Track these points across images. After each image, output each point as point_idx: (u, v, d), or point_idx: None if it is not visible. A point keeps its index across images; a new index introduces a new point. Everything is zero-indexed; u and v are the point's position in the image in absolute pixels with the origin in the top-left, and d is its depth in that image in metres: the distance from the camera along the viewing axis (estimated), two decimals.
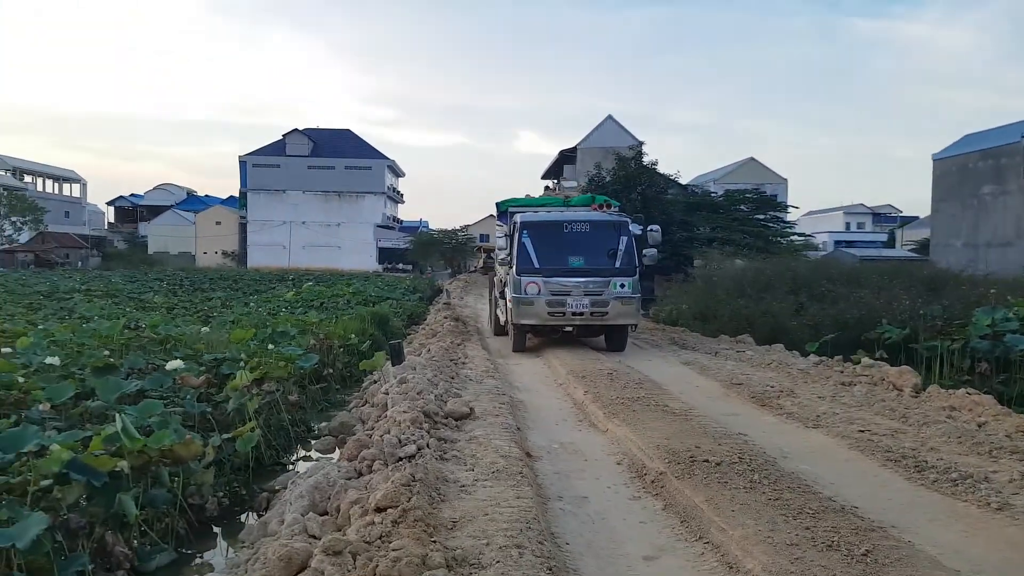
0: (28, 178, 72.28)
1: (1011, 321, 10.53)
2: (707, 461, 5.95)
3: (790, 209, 41.58)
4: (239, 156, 66.63)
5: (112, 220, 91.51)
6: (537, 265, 13.78)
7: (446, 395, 8.53)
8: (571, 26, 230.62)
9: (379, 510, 4.52)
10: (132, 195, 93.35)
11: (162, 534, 5.38)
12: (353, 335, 13.95)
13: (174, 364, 8.13)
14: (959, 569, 4.16)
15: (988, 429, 7.40)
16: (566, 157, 52.22)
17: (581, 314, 13.58)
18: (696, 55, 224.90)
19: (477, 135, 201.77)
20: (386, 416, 7.29)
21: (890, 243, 62.88)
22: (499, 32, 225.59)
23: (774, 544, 4.31)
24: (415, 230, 71.50)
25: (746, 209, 35.97)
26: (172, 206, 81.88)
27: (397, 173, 73.49)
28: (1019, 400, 9.35)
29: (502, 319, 15.82)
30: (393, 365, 9.88)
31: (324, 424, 9.31)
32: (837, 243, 61.44)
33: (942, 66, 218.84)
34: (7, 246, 59.37)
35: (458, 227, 66.63)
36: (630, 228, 14.43)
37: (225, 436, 6.91)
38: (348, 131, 70.00)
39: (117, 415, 5.50)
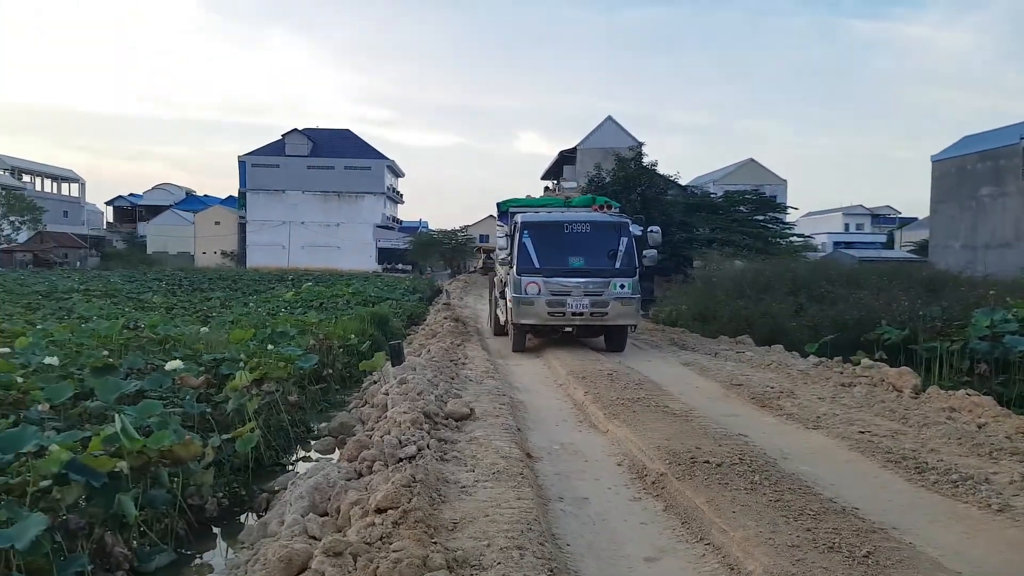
0: (27, 177, 72.22)
1: (1010, 322, 10.55)
2: (708, 462, 5.94)
3: (789, 210, 41.63)
4: (238, 156, 66.63)
5: (111, 220, 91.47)
6: (537, 265, 13.81)
7: (446, 396, 8.51)
8: (571, 26, 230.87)
9: (379, 511, 4.51)
10: (131, 195, 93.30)
11: (161, 535, 5.37)
12: (353, 335, 13.94)
13: (173, 364, 8.11)
14: (960, 571, 4.15)
15: (988, 430, 7.39)
16: (566, 158, 52.24)
17: (581, 314, 13.60)
18: (696, 56, 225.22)
19: (476, 135, 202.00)
20: (386, 417, 7.28)
21: (889, 244, 62.94)
22: (499, 32, 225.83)
23: (775, 546, 4.30)
24: (415, 230, 71.46)
25: (745, 210, 36.00)
26: (171, 206, 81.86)
27: (397, 173, 73.48)
28: (1019, 401, 9.37)
29: (502, 319, 15.84)
30: (393, 366, 9.87)
31: (324, 425, 9.29)
32: (836, 244, 61.46)
33: (941, 67, 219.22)
34: (6, 246, 59.31)
35: (458, 227, 66.65)
36: (630, 229, 14.45)
37: (224, 437, 6.90)
38: (348, 131, 69.98)
39: (116, 415, 5.49)
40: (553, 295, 13.61)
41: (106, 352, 9.46)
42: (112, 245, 77.76)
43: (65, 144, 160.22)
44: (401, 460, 5.75)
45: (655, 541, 4.79)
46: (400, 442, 6.11)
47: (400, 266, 61.99)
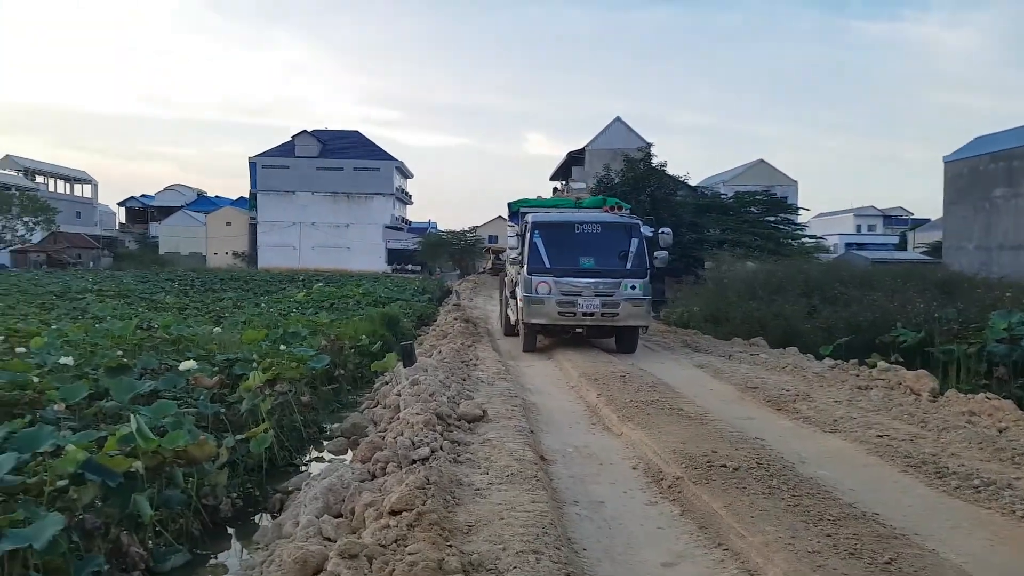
0: (40, 179, 72.76)
1: None
2: (724, 466, 5.88)
3: (800, 211, 41.43)
4: (249, 157, 66.78)
5: (123, 221, 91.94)
6: (548, 265, 13.80)
7: (458, 397, 8.49)
8: (579, 27, 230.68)
9: (394, 513, 4.48)
10: (143, 196, 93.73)
11: (176, 535, 5.37)
12: (364, 336, 13.95)
13: (187, 365, 8.12)
14: None
15: (1009, 435, 7.30)
16: (574, 159, 52.17)
17: (592, 315, 13.58)
18: (705, 57, 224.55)
19: (485, 136, 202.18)
20: (399, 418, 7.26)
21: (901, 245, 62.55)
22: (507, 33, 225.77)
23: (795, 551, 4.25)
24: (424, 231, 71.57)
25: (756, 211, 35.86)
26: (183, 207, 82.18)
27: (405, 174, 73.55)
28: None
29: (513, 319, 15.84)
30: (405, 366, 9.86)
31: (336, 425, 9.28)
32: (848, 245, 61.11)
33: (953, 68, 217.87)
34: (20, 246, 59.70)
35: (466, 228, 66.74)
36: (641, 230, 14.44)
37: (238, 437, 6.90)
38: (357, 132, 70.08)
39: (132, 415, 5.49)
40: (564, 295, 13.60)
41: (120, 352, 9.48)
42: (124, 246, 78.15)
43: (78, 145, 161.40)
44: (414, 462, 5.73)
45: (672, 546, 4.74)
46: (413, 444, 6.09)
47: (409, 267, 62.07)
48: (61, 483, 4.56)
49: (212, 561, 5.43)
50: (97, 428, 6.10)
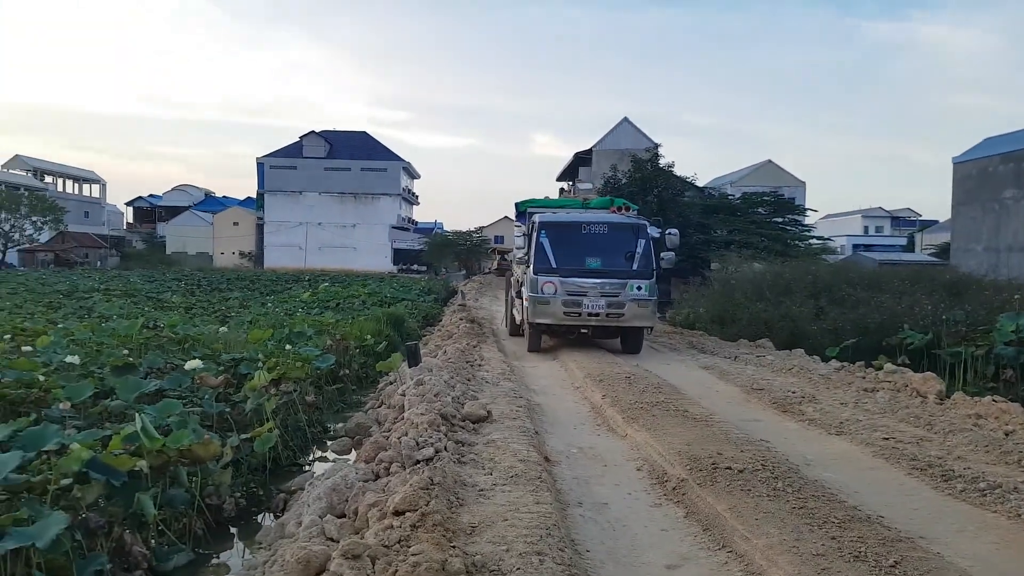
0: (48, 178, 73.07)
1: None
2: (729, 468, 5.85)
3: (808, 212, 41.33)
4: (256, 158, 67.08)
5: (131, 220, 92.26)
6: (554, 265, 13.81)
7: (463, 397, 8.48)
8: (586, 28, 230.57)
9: (397, 513, 4.47)
10: (151, 196, 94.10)
11: (180, 534, 5.38)
12: (369, 336, 13.96)
13: (193, 364, 8.15)
14: None
15: (1016, 438, 7.24)
16: (581, 159, 52.19)
17: (597, 315, 13.57)
18: (712, 57, 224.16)
19: (492, 137, 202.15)
20: (403, 418, 7.26)
21: (909, 247, 62.31)
22: (514, 34, 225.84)
23: (800, 554, 4.22)
24: (430, 231, 71.64)
25: (764, 212, 35.82)
26: (190, 207, 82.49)
27: (412, 175, 73.65)
28: None
29: (518, 319, 15.86)
30: (410, 367, 9.85)
31: (340, 425, 9.29)
32: (855, 247, 60.93)
33: (962, 69, 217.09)
34: (28, 246, 59.99)
35: (472, 229, 66.81)
36: (648, 231, 14.43)
37: (243, 436, 6.92)
38: (364, 133, 70.23)
39: (137, 414, 5.51)
40: (569, 295, 13.60)
41: (126, 351, 9.52)
42: (132, 245, 78.48)
43: (85, 146, 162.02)
44: (419, 462, 5.72)
45: (676, 548, 4.72)
46: (417, 444, 6.08)
47: (415, 267, 62.15)
48: (65, 482, 4.57)
49: (215, 560, 5.43)
50: (102, 427, 6.12)
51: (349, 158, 66.17)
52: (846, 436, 7.49)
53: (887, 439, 7.19)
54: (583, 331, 14.35)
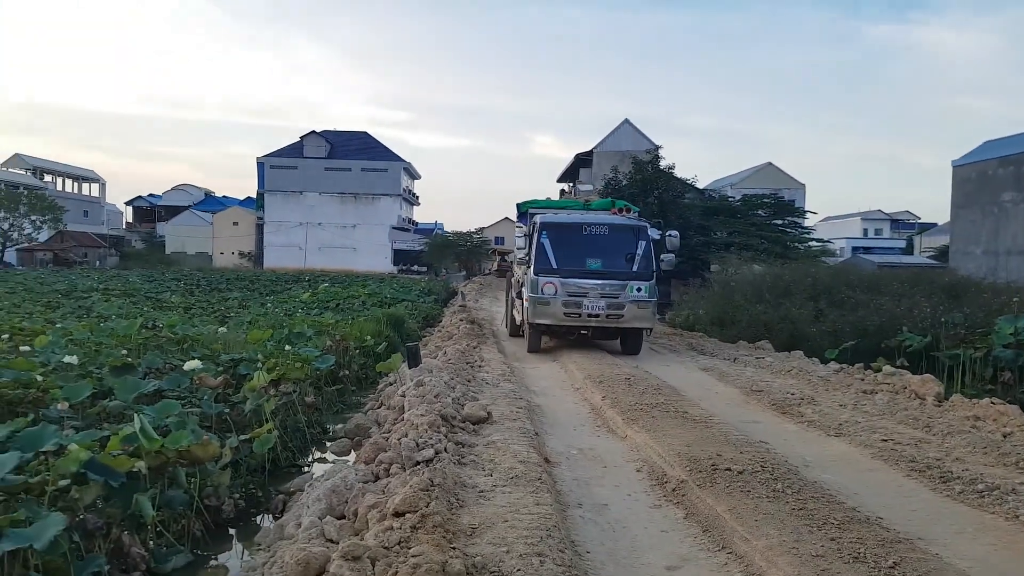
0: (48, 177, 73.01)
1: None
2: (729, 469, 5.86)
3: (808, 214, 41.31)
4: (257, 157, 66.98)
5: (130, 220, 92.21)
6: (555, 266, 13.86)
7: (463, 398, 8.47)
8: (587, 29, 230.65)
9: (397, 515, 4.47)
10: (150, 195, 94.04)
11: (178, 535, 5.36)
12: (369, 337, 13.95)
13: (192, 364, 8.12)
14: None
15: (1014, 440, 7.26)
16: (582, 161, 52.20)
17: (597, 316, 13.62)
18: (713, 59, 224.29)
19: (492, 138, 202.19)
20: (403, 419, 7.26)
21: (908, 250, 62.33)
22: (515, 34, 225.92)
23: (799, 555, 4.23)
24: (430, 232, 71.60)
25: (764, 214, 35.81)
26: (190, 206, 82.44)
27: (413, 175, 73.63)
28: None
29: (518, 319, 15.88)
30: (409, 367, 9.84)
31: (340, 426, 9.28)
32: (855, 249, 60.91)
33: (962, 72, 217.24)
34: (27, 245, 59.96)
35: (473, 229, 66.83)
36: (648, 233, 14.47)
37: (242, 437, 6.90)
38: (364, 133, 70.20)
39: (135, 415, 5.49)
40: (570, 296, 13.64)
41: (125, 351, 9.49)
42: (131, 245, 78.43)
43: (85, 145, 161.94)
44: (418, 463, 5.72)
45: (676, 549, 4.72)
46: (417, 445, 6.08)
47: (415, 268, 62.14)
48: (63, 483, 4.56)
49: (213, 562, 5.42)
50: (100, 427, 6.10)
51: (349, 158, 66.12)
52: (845, 438, 7.50)
53: (886, 441, 7.20)
54: (583, 332, 14.39)
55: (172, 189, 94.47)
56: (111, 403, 6.90)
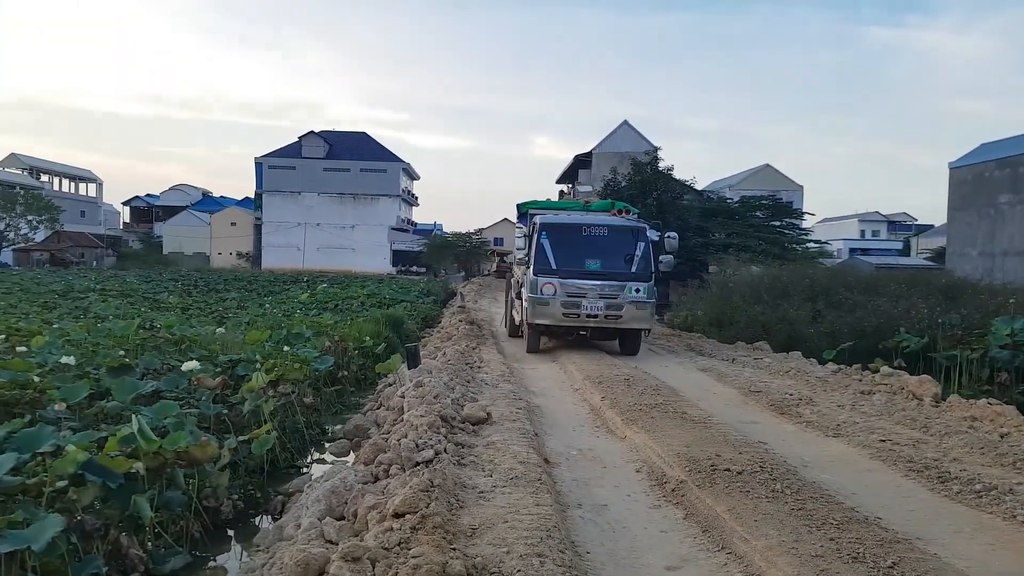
0: (44, 177, 72.82)
1: None
2: (728, 470, 5.86)
3: (805, 216, 41.39)
4: (255, 158, 66.85)
5: (127, 220, 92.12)
6: (554, 266, 13.90)
7: (463, 399, 8.47)
8: (587, 31, 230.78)
9: (397, 516, 4.46)
10: (148, 195, 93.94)
11: (177, 537, 5.35)
12: (368, 338, 13.94)
13: (190, 365, 8.10)
14: None
15: (1011, 440, 7.27)
16: (581, 162, 52.19)
17: (595, 316, 13.65)
18: (712, 61, 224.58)
19: (492, 139, 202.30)
20: (402, 420, 7.25)
21: (905, 251, 62.48)
22: (515, 35, 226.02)
23: (799, 555, 4.23)
24: (429, 233, 71.56)
25: (762, 215, 35.87)
26: (187, 207, 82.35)
27: (412, 176, 73.58)
28: None
29: (517, 319, 15.91)
30: (409, 368, 9.84)
31: (339, 427, 9.27)
32: (852, 251, 61.07)
33: (960, 74, 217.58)
34: (23, 245, 59.80)
35: (472, 230, 66.78)
36: (647, 234, 14.52)
37: (241, 438, 6.89)
38: (363, 134, 70.15)
39: (133, 416, 5.48)
40: (569, 296, 13.69)
41: (122, 352, 9.47)
42: (128, 245, 78.31)
43: (83, 145, 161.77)
44: (418, 464, 5.71)
45: (676, 549, 4.72)
46: (417, 446, 6.07)
47: (414, 268, 62.09)
48: (61, 484, 4.54)
49: (212, 563, 5.41)
50: (98, 428, 6.09)
51: (348, 158, 66.07)
52: (843, 438, 7.51)
53: (884, 441, 7.21)
54: (582, 332, 14.43)
55: (169, 189, 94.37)
56: (109, 404, 6.88)
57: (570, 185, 57.69)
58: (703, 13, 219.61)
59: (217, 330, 13.02)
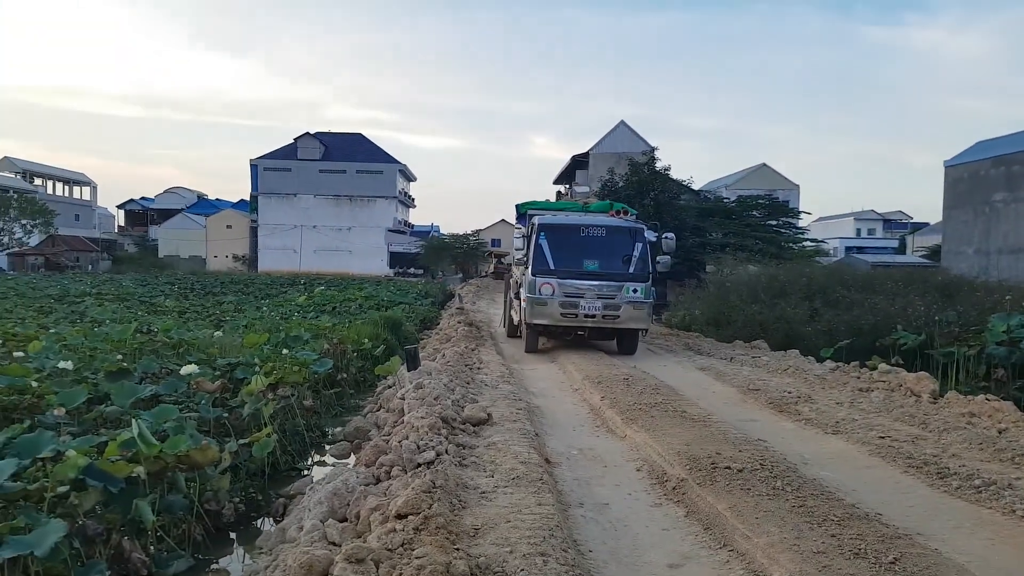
0: (38, 181, 72.63)
1: None
2: (728, 468, 5.87)
3: (802, 215, 41.49)
4: (250, 159, 66.72)
5: (122, 223, 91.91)
6: (552, 267, 13.95)
7: (463, 400, 8.47)
8: (584, 31, 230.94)
9: (400, 517, 4.47)
10: (142, 198, 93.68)
11: (179, 540, 5.35)
12: (366, 340, 13.95)
13: (189, 369, 8.10)
14: None
15: (1009, 435, 7.32)
16: (578, 162, 52.25)
17: (593, 316, 13.70)
18: (709, 61, 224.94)
19: (489, 140, 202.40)
20: (403, 422, 7.25)
21: (901, 249, 62.60)
22: (512, 36, 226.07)
23: (800, 552, 4.24)
24: (426, 234, 71.53)
25: (758, 215, 35.95)
26: (182, 209, 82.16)
27: (408, 177, 73.53)
28: None
29: (516, 320, 15.94)
30: (409, 370, 9.83)
31: (339, 429, 9.27)
32: (848, 249, 61.19)
33: (956, 73, 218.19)
34: (17, 249, 59.61)
35: (469, 232, 66.76)
36: (645, 235, 14.58)
37: (241, 441, 6.89)
38: (359, 135, 70.06)
39: (133, 420, 5.48)
40: (567, 296, 13.74)
41: (120, 356, 9.46)
42: (123, 249, 78.15)
43: (76, 148, 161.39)
44: (420, 465, 5.72)
45: (678, 547, 4.73)
46: (418, 447, 6.07)
47: (412, 270, 62.08)
48: (62, 489, 4.54)
49: (215, 566, 5.41)
50: (97, 433, 6.08)
51: (344, 160, 65.98)
52: (842, 435, 7.53)
53: (883, 438, 7.23)
54: (580, 332, 14.47)
55: (164, 192, 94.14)
56: (108, 408, 6.87)
57: (567, 186, 57.75)
58: (700, 13, 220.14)
59: (215, 333, 13.02)
